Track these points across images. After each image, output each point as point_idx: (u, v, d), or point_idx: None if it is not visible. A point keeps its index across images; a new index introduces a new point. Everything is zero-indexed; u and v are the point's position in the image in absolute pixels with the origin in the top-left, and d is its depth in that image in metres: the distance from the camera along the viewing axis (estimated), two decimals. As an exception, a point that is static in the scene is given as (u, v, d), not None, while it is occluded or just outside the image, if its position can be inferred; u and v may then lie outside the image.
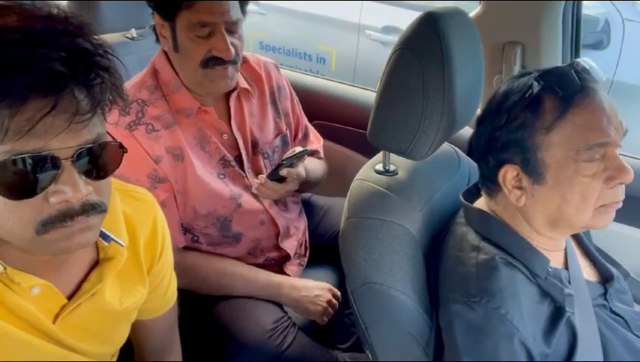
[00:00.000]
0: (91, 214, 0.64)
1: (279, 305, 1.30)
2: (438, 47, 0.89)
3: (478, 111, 0.95)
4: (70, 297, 0.76)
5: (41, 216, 0.61)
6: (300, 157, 1.28)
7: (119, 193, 0.83)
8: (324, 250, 1.47)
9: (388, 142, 0.99)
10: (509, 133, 0.85)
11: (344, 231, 0.99)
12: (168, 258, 0.91)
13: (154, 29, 1.23)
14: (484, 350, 0.81)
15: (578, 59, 0.86)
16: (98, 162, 0.64)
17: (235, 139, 1.29)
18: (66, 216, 0.62)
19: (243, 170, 1.31)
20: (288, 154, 1.29)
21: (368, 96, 1.81)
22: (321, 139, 1.55)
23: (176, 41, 1.17)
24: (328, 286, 1.33)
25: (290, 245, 1.40)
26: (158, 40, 1.24)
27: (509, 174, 0.87)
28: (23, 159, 0.58)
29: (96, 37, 0.63)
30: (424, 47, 0.90)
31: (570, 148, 0.82)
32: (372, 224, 0.95)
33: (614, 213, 0.86)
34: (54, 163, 0.60)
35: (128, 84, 1.24)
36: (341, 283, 1.42)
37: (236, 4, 1.17)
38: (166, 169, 1.19)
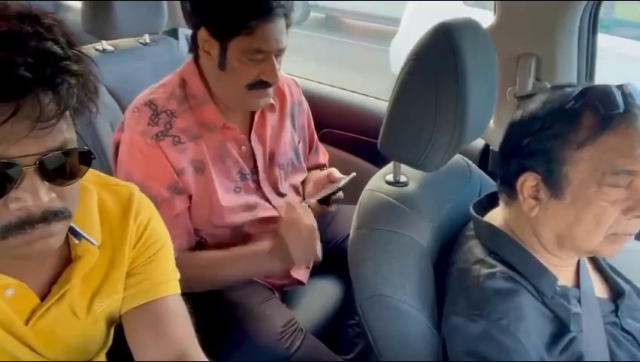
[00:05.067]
0: (52, 221, 0.62)
1: (287, 309, 1.30)
2: (452, 58, 0.88)
3: (492, 124, 0.94)
4: (43, 299, 0.73)
5: (1, 222, 0.60)
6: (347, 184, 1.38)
7: (99, 186, 0.80)
8: (330, 258, 1.47)
9: (399, 152, 0.98)
10: (539, 140, 0.84)
11: (353, 241, 0.98)
12: (157, 241, 0.85)
13: (169, 33, 1.27)
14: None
15: (627, 83, 0.84)
16: (63, 169, 0.62)
17: (253, 150, 1.33)
18: (25, 224, 0.60)
19: (258, 180, 1.34)
20: (341, 183, 1.37)
21: (379, 105, 1.81)
22: (327, 154, 1.62)
23: (224, 60, 1.20)
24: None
25: None
26: (190, 50, 1.28)
27: (528, 182, 0.86)
28: None
29: (70, 39, 0.60)
30: (438, 57, 0.90)
31: (597, 169, 0.80)
32: (382, 235, 0.94)
33: (623, 245, 0.85)
34: (14, 170, 0.57)
35: (151, 90, 1.27)
36: (346, 292, 1.42)
37: (285, 32, 1.21)
38: (187, 181, 1.22)
